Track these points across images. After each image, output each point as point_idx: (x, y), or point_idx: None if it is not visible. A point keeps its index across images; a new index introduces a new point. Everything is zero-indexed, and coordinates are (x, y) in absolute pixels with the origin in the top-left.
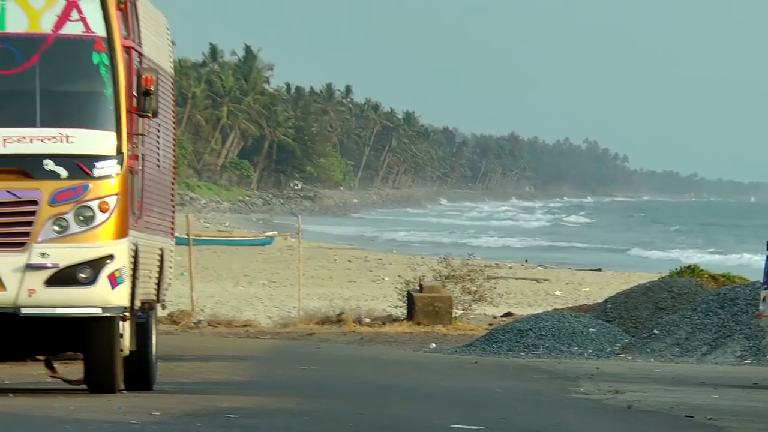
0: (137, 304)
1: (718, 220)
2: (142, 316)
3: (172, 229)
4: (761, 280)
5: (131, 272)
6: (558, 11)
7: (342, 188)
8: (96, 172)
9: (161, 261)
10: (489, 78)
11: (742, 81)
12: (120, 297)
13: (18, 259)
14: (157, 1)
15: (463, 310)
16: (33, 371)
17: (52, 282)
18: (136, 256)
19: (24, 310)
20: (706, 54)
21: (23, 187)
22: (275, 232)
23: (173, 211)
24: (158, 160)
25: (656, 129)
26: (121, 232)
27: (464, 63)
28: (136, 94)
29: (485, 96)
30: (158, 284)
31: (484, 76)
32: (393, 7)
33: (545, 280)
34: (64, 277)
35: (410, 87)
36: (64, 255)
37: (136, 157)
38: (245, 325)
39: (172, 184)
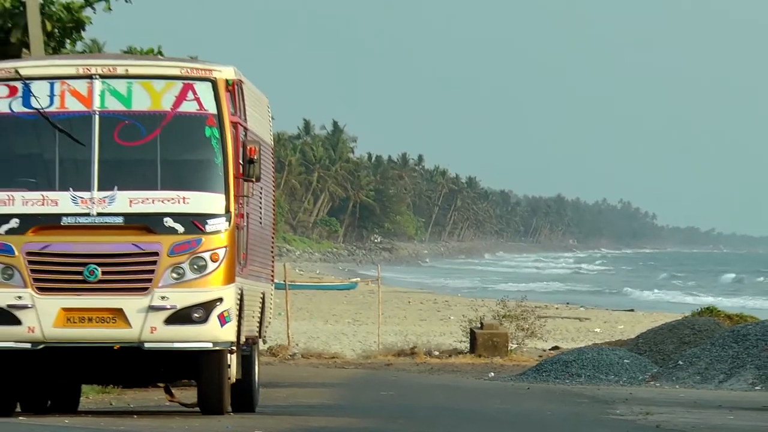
0: (242, 339)
1: (716, 268)
2: (246, 350)
3: (272, 275)
4: None
5: (237, 312)
6: (597, 92)
7: (415, 241)
8: (208, 228)
9: (262, 303)
10: (539, 147)
11: (757, 146)
12: (228, 333)
13: (142, 301)
14: (260, 83)
15: (517, 344)
16: (154, 396)
17: (170, 321)
18: (241, 299)
19: (147, 345)
20: (724, 125)
21: (146, 241)
22: (358, 279)
23: (273, 261)
24: (260, 218)
25: (681, 191)
26: (229, 279)
27: (519, 135)
28: (242, 163)
29: (536, 163)
30: (260, 322)
31: (535, 146)
32: (458, 91)
33: (586, 318)
34: (180, 316)
35: (472, 155)
36: (180, 298)
37: (242, 216)
38: (333, 357)
39: (272, 238)
